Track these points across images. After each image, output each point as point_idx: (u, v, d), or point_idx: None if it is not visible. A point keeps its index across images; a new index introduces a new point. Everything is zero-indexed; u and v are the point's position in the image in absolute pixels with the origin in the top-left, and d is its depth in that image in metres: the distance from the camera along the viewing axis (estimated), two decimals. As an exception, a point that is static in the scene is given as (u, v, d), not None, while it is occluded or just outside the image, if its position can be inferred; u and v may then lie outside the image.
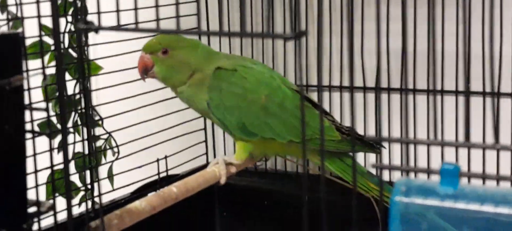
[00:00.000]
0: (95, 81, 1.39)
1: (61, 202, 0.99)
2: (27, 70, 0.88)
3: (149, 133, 1.47)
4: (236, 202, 1.62)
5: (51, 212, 0.87)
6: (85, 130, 1.27)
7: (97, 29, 0.78)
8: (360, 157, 1.49)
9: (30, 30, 1.16)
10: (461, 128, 1.39)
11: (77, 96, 1.36)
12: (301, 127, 0.70)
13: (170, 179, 1.53)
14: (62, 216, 1.05)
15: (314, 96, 1.52)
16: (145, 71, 1.29)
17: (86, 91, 1.11)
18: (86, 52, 0.91)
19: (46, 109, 0.83)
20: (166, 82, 1.31)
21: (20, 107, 0.82)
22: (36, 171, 0.89)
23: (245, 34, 0.70)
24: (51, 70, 1.24)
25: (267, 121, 1.28)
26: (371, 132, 1.49)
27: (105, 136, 1.42)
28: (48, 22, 1.21)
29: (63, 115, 0.78)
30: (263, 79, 1.30)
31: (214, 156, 1.67)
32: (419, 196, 0.64)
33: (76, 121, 1.36)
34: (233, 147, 1.65)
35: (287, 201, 1.57)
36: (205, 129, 1.64)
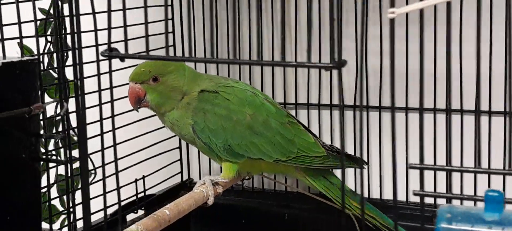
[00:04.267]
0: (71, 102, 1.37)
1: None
2: (43, 97, 0.86)
3: (125, 154, 1.45)
4: (213, 221, 1.62)
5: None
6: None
7: (123, 57, 0.78)
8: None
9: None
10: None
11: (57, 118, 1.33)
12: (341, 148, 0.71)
13: (148, 199, 1.52)
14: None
15: (293, 113, 1.53)
16: (138, 102, 1.27)
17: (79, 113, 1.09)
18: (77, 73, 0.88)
19: (65, 138, 0.82)
20: (159, 109, 1.29)
21: (36, 135, 0.80)
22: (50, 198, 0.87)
23: (288, 64, 0.70)
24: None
25: (253, 140, 1.29)
26: (350, 149, 1.51)
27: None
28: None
29: (84, 143, 0.76)
30: (245, 98, 1.31)
31: (189, 175, 1.66)
32: (464, 222, 0.66)
33: (58, 142, 1.33)
34: (208, 164, 1.64)
35: (265, 219, 1.58)
36: (180, 147, 1.63)
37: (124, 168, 1.43)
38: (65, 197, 1.33)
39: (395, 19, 0.65)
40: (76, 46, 0.77)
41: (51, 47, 1.33)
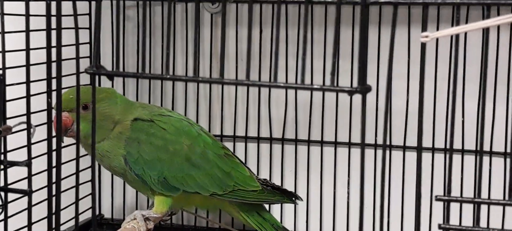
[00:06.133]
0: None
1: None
2: (5, 118, 0.75)
3: (38, 187, 1.33)
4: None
5: None
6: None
7: (112, 75, 0.69)
8: (276, 210, 1.46)
9: None
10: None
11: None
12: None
13: (62, 236, 1.40)
14: None
15: (229, 146, 1.46)
16: (65, 131, 1.16)
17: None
18: None
19: (28, 165, 0.71)
20: (88, 139, 1.17)
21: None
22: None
23: (313, 88, 0.65)
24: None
25: (190, 173, 1.21)
26: (289, 184, 1.46)
27: None
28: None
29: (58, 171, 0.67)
30: (182, 127, 1.24)
31: (100, 210, 1.55)
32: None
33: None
34: (122, 199, 1.53)
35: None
36: (93, 181, 1.52)
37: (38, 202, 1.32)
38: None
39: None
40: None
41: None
